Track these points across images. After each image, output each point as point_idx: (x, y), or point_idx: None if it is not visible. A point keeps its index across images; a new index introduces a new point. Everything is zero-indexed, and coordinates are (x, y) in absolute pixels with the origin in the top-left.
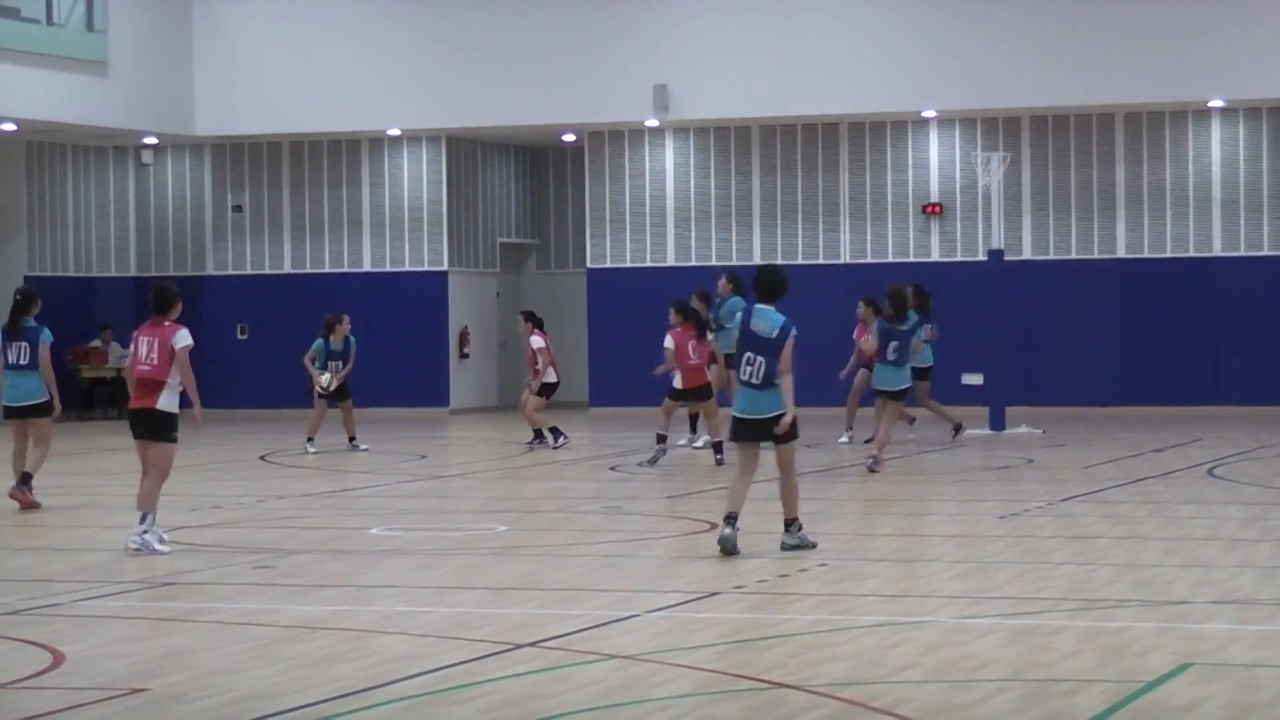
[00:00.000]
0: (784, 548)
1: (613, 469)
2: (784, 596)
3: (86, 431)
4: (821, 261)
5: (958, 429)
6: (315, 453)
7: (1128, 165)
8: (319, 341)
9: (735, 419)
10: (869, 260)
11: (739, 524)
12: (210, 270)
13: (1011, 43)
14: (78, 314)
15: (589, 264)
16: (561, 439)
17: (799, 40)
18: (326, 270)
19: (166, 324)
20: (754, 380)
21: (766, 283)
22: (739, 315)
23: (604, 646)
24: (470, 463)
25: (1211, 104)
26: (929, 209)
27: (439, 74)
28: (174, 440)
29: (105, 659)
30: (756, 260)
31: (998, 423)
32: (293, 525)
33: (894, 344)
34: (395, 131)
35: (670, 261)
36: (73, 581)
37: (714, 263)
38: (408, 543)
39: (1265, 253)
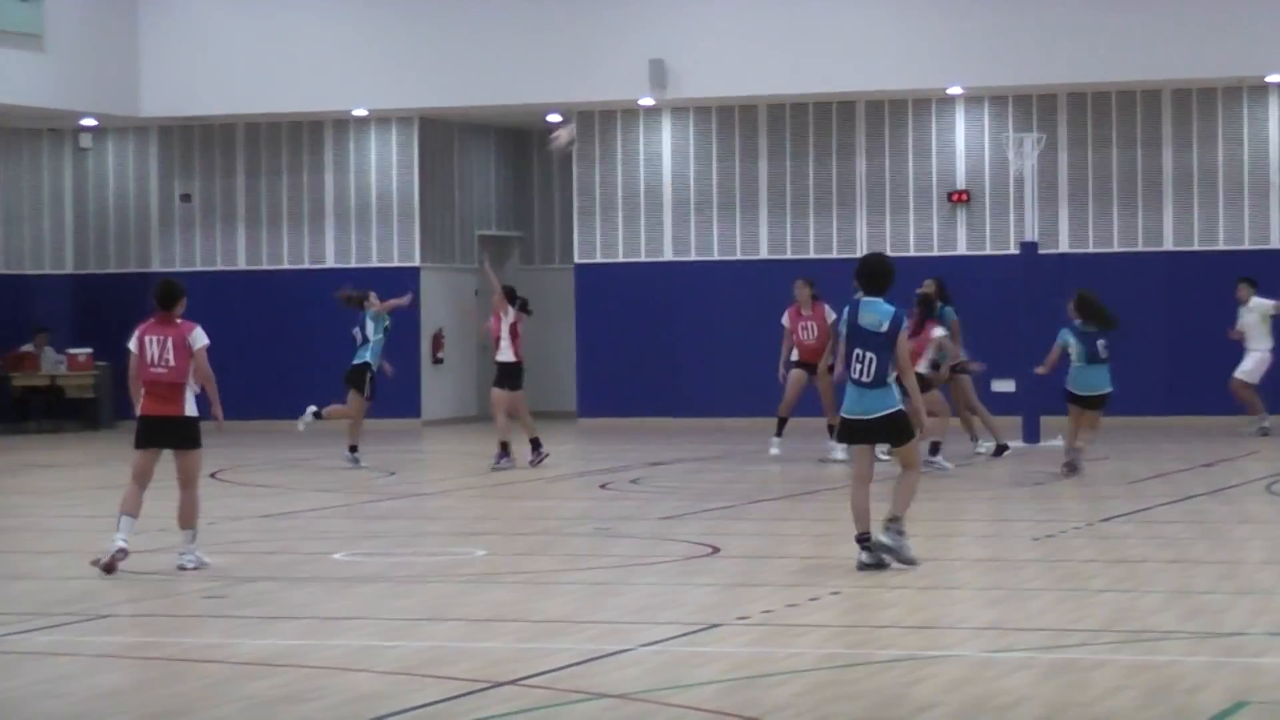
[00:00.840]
0: (875, 547)
1: (603, 487)
2: (792, 628)
3: (19, 446)
4: (836, 255)
5: (1000, 450)
6: (367, 466)
7: (1176, 148)
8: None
9: (843, 420)
10: (888, 254)
11: (871, 539)
12: (156, 267)
13: (1047, 13)
14: (9, 316)
15: (577, 259)
16: (504, 460)
17: (811, 10)
18: (285, 266)
19: (178, 321)
20: (864, 378)
21: (872, 273)
22: (845, 310)
23: (593, 684)
24: (445, 480)
25: (1270, 79)
26: (955, 197)
27: (411, 48)
28: (201, 446)
29: (36, 700)
30: (763, 255)
31: (1031, 434)
32: (248, 550)
33: (1093, 346)
34: (362, 112)
35: (667, 256)
36: (1, 614)
37: (716, 257)
38: (375, 569)
39: None
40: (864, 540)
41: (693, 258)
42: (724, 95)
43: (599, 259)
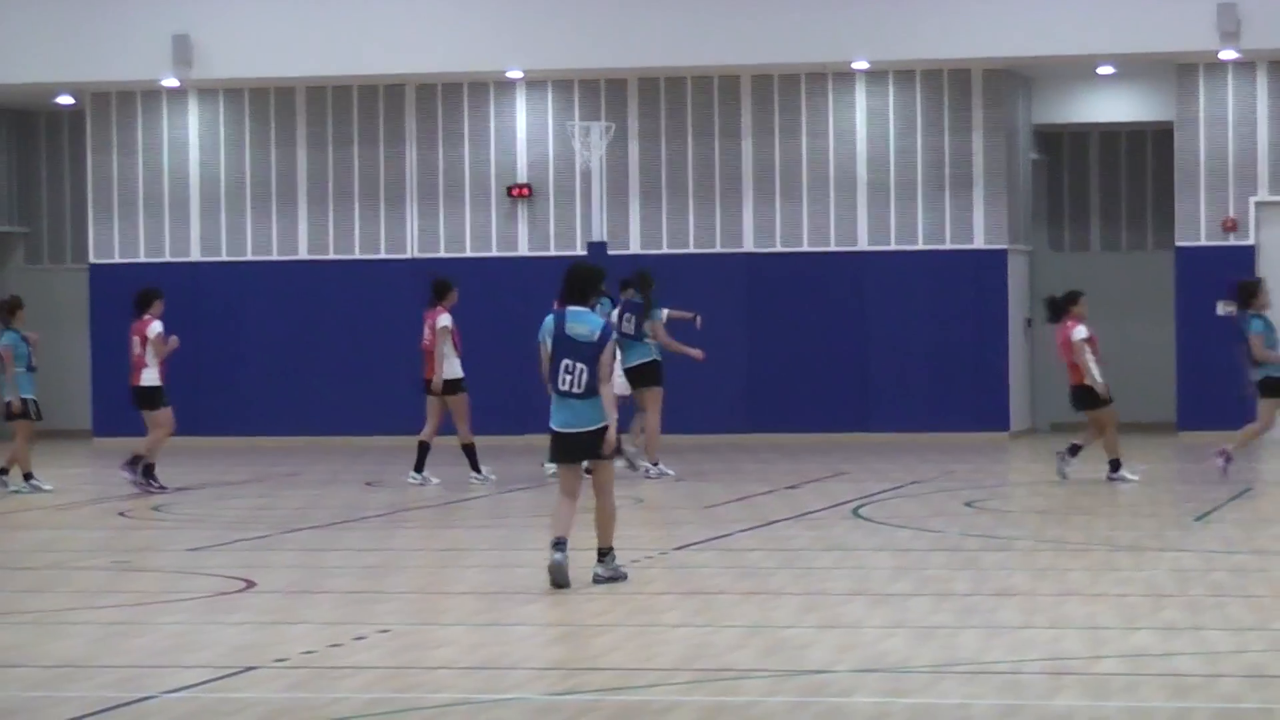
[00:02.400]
0: (598, 581)
1: (121, 514)
2: (335, 670)
3: None
4: (384, 255)
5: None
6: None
7: (756, 138)
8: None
9: (555, 434)
10: (442, 254)
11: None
12: None
13: None
14: None
15: (92, 258)
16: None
17: None
18: None
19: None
20: (574, 390)
21: (577, 282)
22: (549, 320)
23: None
24: None
25: (856, 66)
26: (515, 191)
27: None
28: None
29: None
30: (303, 255)
31: None
32: None
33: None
34: None
35: (194, 256)
36: None
37: (249, 256)
38: None
39: (920, 246)
40: (560, 544)
41: (223, 257)
42: (257, 76)
43: (117, 258)
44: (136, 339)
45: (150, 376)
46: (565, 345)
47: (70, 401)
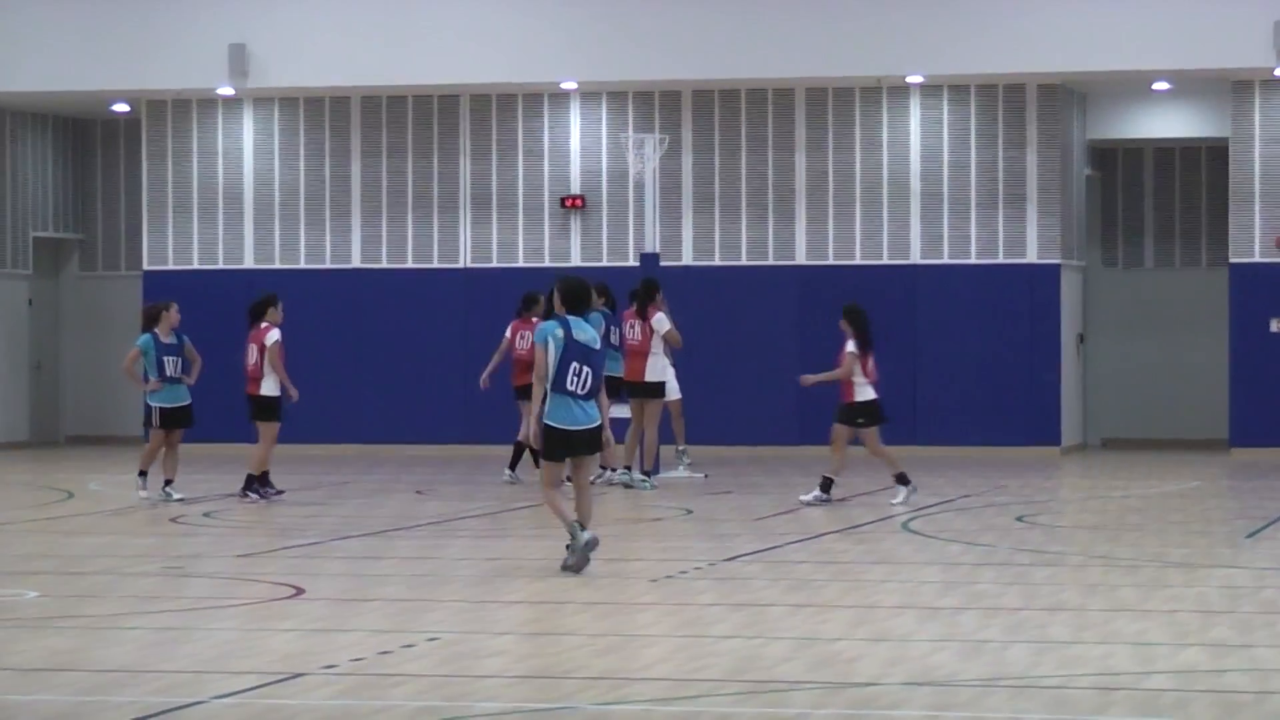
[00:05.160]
0: (565, 569)
1: (174, 521)
2: (386, 678)
3: None
4: (437, 265)
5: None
6: (147, 495)
7: (810, 151)
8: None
9: (569, 433)
10: (494, 264)
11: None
12: None
13: (670, 4)
14: None
15: (146, 265)
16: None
17: None
18: None
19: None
20: (580, 391)
21: (575, 295)
22: (555, 327)
23: None
24: None
25: (911, 80)
26: (568, 202)
27: None
28: None
29: None
30: (356, 264)
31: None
32: None
33: None
34: None
35: (248, 263)
36: None
37: (302, 265)
38: None
39: (973, 261)
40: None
41: (276, 265)
42: (312, 85)
43: (171, 265)
44: (254, 347)
45: (270, 386)
46: (575, 350)
47: (126, 408)
